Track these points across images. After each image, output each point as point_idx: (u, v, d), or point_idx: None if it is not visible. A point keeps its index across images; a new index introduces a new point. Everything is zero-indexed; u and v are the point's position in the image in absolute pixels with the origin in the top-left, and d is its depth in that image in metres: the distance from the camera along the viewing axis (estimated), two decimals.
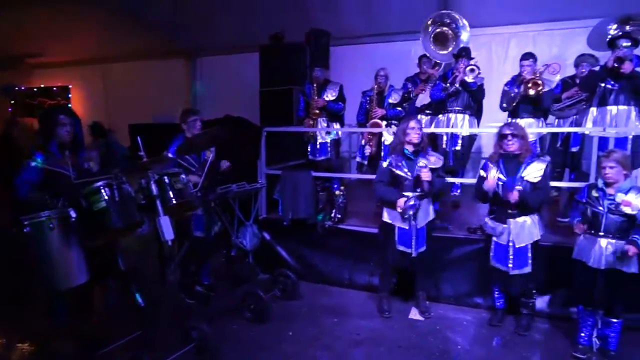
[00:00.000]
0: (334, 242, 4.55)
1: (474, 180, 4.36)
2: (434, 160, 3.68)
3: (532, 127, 4.64)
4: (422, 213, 3.66)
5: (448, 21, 5.31)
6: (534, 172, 3.34)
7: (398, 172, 3.66)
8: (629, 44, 3.91)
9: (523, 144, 3.38)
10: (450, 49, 5.21)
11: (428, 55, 5.45)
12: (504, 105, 4.87)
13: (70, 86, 10.44)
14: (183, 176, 3.06)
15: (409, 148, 3.64)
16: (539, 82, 4.60)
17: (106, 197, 2.59)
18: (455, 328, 3.70)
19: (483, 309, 3.93)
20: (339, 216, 4.53)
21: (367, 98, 5.56)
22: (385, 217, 3.79)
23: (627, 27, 4.23)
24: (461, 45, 5.23)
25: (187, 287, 4.18)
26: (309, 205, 4.58)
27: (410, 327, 3.72)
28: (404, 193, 3.61)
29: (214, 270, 4.50)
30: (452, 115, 5.09)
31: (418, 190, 3.60)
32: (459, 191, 5.30)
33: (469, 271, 4.03)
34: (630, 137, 3.91)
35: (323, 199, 4.97)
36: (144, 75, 8.93)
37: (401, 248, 3.72)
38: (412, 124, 3.63)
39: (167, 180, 2.90)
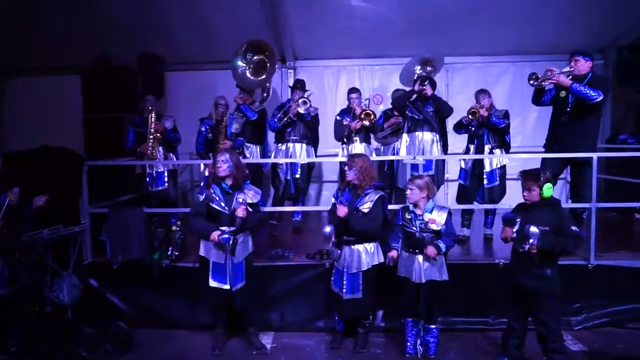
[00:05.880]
0: (173, 282, 4.22)
1: (314, 208, 4.63)
2: (252, 195, 3.61)
3: (364, 152, 5.03)
4: (240, 247, 3.55)
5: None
6: (367, 202, 3.50)
7: (215, 206, 3.54)
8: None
9: (359, 174, 3.49)
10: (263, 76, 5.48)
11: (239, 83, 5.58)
12: (337, 135, 5.31)
13: None
14: None
15: (227, 182, 3.55)
16: (370, 111, 5.13)
17: None
18: (300, 355, 3.73)
19: (325, 331, 4.04)
20: (177, 253, 4.23)
21: (207, 127, 5.39)
22: (201, 250, 3.64)
23: (427, 68, 5.20)
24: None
25: None
26: (142, 244, 4.19)
27: None
28: (220, 227, 3.48)
29: (25, 331, 3.78)
30: (290, 145, 5.27)
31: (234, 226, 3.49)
32: (299, 217, 5.45)
33: (310, 296, 4.11)
34: (434, 160, 4.67)
35: (160, 235, 4.61)
36: None
37: (214, 284, 3.56)
38: (218, 157, 3.54)
39: None
